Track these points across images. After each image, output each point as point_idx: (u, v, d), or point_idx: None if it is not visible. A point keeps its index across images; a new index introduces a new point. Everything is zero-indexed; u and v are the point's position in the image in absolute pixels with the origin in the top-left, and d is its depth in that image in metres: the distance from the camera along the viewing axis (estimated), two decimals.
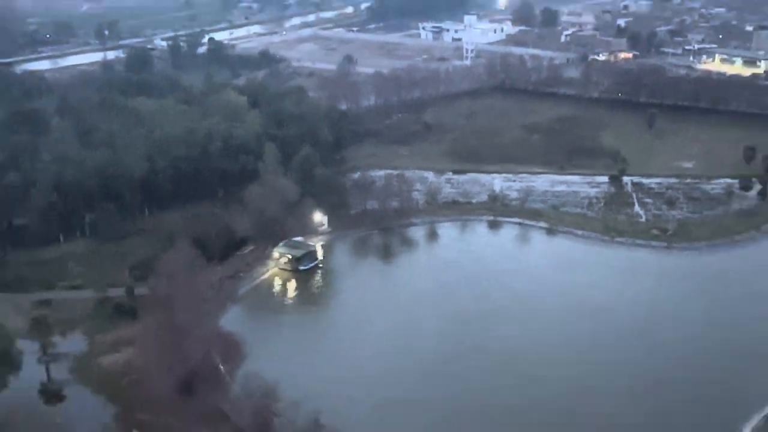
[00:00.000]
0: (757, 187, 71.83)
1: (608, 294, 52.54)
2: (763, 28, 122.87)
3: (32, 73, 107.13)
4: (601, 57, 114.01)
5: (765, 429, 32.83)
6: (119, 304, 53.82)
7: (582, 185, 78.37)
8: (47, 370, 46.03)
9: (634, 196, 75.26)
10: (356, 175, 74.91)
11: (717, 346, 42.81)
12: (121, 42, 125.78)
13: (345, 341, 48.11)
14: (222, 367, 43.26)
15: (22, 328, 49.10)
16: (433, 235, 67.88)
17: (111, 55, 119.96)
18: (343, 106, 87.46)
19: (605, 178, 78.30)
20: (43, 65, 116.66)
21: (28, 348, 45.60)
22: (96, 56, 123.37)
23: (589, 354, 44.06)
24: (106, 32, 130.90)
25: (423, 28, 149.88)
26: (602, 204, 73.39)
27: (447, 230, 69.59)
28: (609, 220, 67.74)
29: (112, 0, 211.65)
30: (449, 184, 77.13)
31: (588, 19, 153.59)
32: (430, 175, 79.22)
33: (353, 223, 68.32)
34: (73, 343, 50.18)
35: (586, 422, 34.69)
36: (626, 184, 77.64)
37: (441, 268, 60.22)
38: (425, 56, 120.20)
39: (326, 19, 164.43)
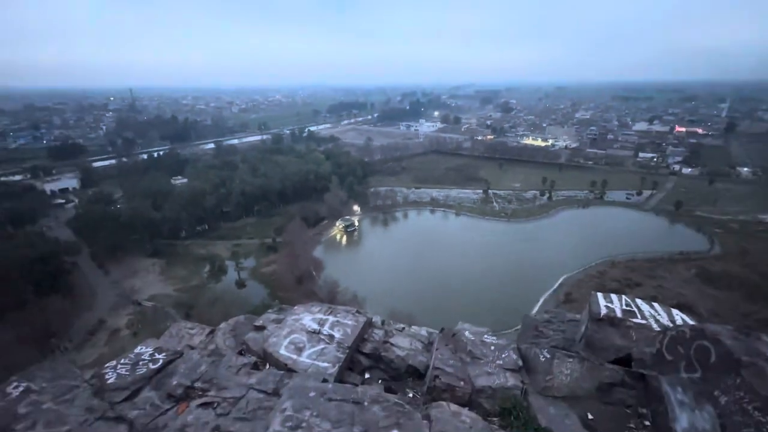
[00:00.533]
0: (546, 194, 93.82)
1: (483, 237, 72.06)
2: (550, 125, 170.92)
3: (231, 145, 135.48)
4: (479, 138, 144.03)
5: (550, 300, 43.78)
6: (269, 245, 64.89)
7: (470, 194, 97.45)
8: (238, 273, 57.35)
9: (493, 198, 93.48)
10: (372, 189, 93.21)
11: (522, 260, 61.16)
12: (269, 131, 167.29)
13: (368, 261, 62.21)
14: (314, 272, 54.73)
15: (227, 255, 61.35)
16: (405, 216, 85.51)
17: (265, 136, 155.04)
18: (366, 159, 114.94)
19: (480, 191, 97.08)
20: (235, 141, 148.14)
21: (230, 264, 58.54)
22: (258, 137, 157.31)
23: (470, 261, 60.45)
24: (262, 127, 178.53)
25: (401, 125, 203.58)
26: (479, 202, 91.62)
27: (411, 213, 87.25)
28: (482, 209, 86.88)
29: (271, 109, 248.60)
30: (412, 194, 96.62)
31: (474, 121, 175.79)
32: (403, 189, 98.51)
33: (371, 210, 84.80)
34: (249, 261, 61.51)
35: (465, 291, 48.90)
36: (490, 193, 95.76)
37: (410, 228, 79.77)
38: (402, 137, 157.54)
39: (359, 121, 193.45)
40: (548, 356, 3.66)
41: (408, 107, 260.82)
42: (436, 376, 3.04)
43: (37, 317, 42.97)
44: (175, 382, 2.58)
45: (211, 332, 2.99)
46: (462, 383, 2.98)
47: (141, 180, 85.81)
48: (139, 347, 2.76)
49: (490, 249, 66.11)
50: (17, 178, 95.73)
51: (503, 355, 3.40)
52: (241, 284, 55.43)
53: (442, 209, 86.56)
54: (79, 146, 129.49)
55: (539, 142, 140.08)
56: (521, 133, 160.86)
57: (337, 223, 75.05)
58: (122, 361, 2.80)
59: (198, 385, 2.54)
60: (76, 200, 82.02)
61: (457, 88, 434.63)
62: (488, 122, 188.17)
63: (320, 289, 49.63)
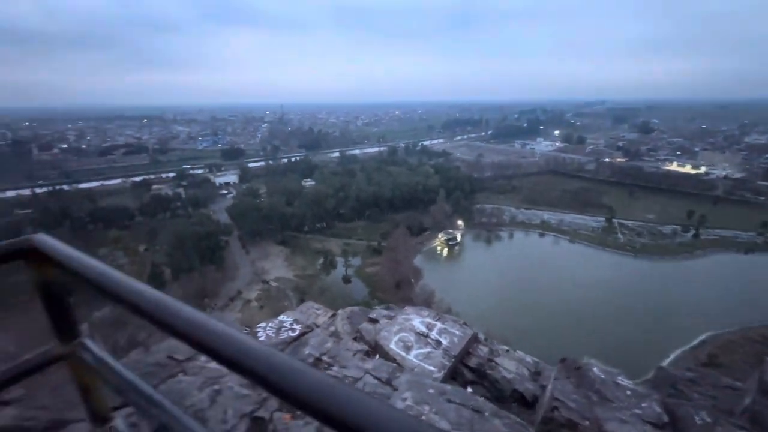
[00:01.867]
0: (692, 231, 76.27)
1: (601, 270, 62.53)
2: (705, 150, 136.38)
3: (352, 154, 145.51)
4: (607, 160, 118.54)
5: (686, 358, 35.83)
6: (375, 248, 67.00)
7: (589, 221, 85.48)
8: (346, 269, 61.12)
9: (618, 229, 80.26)
10: (478, 205, 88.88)
11: (650, 304, 51.35)
12: (386, 143, 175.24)
13: (467, 277, 59.84)
14: (412, 279, 55.33)
15: (338, 252, 65.90)
16: (511, 236, 78.97)
17: (382, 148, 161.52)
18: (475, 175, 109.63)
19: (602, 219, 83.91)
20: (356, 151, 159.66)
21: (339, 260, 62.53)
22: (376, 149, 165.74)
23: (583, 294, 53.57)
24: (380, 140, 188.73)
25: (516, 143, 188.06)
26: (600, 231, 79.93)
27: (518, 234, 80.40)
28: (603, 239, 75.92)
29: (390, 124, 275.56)
30: (521, 214, 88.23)
31: (602, 142, 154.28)
32: (512, 209, 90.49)
33: (475, 226, 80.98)
34: (356, 260, 65.44)
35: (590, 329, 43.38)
36: (614, 222, 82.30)
37: (515, 249, 73.54)
38: (515, 155, 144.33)
39: (472, 137, 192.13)
40: (708, 420, 2.90)
41: (525, 125, 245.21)
42: (555, 408, 2.68)
43: (198, 281, 53.76)
44: (307, 352, 2.92)
45: (333, 315, 3.27)
46: (587, 422, 2.58)
47: (280, 180, 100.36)
48: (282, 316, 3.22)
49: (609, 285, 56.59)
50: (199, 171, 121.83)
51: (643, 405, 2.81)
52: (347, 279, 59.55)
53: (554, 234, 78.39)
54: (241, 150, 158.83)
55: (687, 169, 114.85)
56: (663, 157, 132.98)
57: (440, 236, 74.80)
58: (269, 325, 3.38)
59: (324, 359, 2.83)
60: (234, 192, 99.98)
61: (585, 106, 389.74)
62: (620, 143, 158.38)
63: (416, 296, 50.21)
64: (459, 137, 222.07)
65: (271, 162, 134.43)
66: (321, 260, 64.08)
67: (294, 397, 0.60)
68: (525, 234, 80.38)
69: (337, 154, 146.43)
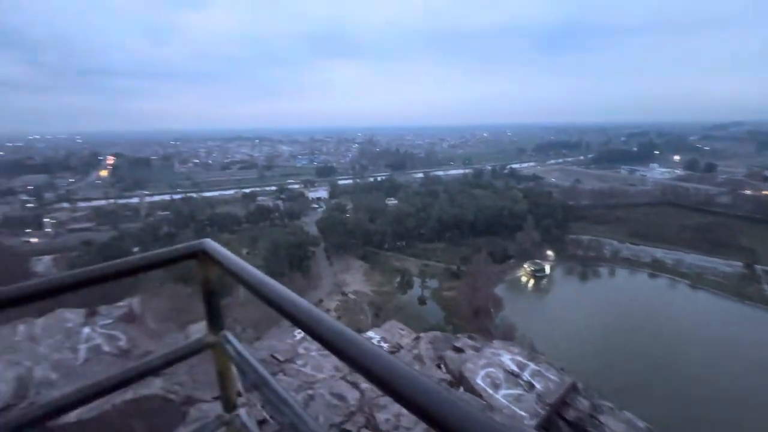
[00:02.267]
0: None
1: (736, 327, 50.73)
2: None
3: (436, 175, 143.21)
4: (747, 192, 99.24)
5: None
6: (453, 271, 65.33)
7: (719, 264, 69.90)
8: (422, 290, 60.62)
9: (763, 278, 63.74)
10: (573, 236, 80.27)
11: None
12: (472, 166, 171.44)
13: (555, 314, 54.19)
14: (491, 309, 52.41)
15: (416, 272, 65.71)
16: (613, 273, 69.36)
17: (467, 170, 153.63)
18: (570, 202, 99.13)
19: (739, 263, 67.75)
20: (440, 172, 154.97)
21: (416, 281, 62.37)
22: (460, 171, 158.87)
23: (710, 356, 43.20)
24: (466, 162, 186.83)
25: (622, 169, 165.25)
26: (734, 278, 64.66)
27: (622, 273, 70.40)
28: (739, 288, 61.82)
29: (477, 146, 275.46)
30: (626, 249, 75.89)
31: (741, 170, 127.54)
32: (614, 243, 78.49)
33: (567, 258, 73.36)
34: (433, 282, 64.24)
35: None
36: (756, 269, 65.72)
37: (618, 289, 64.13)
38: (621, 183, 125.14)
39: (568, 161, 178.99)
40: None
41: (635, 149, 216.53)
42: None
43: (286, 286, 58.38)
44: None
45: (416, 338, 3.21)
46: None
47: (366, 197, 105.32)
48: (369, 332, 3.30)
49: (749, 347, 44.84)
50: (296, 186, 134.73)
51: None
52: (422, 301, 58.81)
53: (669, 276, 66.48)
54: (333, 168, 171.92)
55: None
56: None
57: (525, 266, 69.71)
58: None
59: None
60: (324, 206, 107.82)
61: (715, 128, 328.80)
62: (767, 173, 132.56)
63: (495, 327, 47.36)
64: (553, 161, 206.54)
65: (358, 180, 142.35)
66: (398, 278, 64.59)
67: (413, 402, 0.66)
68: (630, 273, 69.68)
69: (421, 175, 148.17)
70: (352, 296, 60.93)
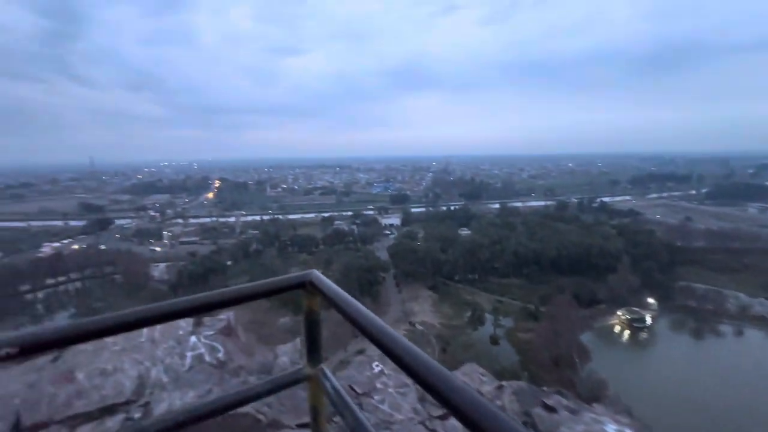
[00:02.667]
0: None
1: None
2: None
3: (514, 207, 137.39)
4: None
5: None
6: (530, 311, 60.57)
7: None
8: (495, 329, 56.59)
9: None
10: (683, 283, 67.50)
11: None
12: (554, 197, 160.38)
13: (659, 375, 46.51)
14: (576, 359, 46.58)
15: (488, 308, 61.86)
16: (739, 333, 55.77)
17: (549, 202, 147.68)
18: (678, 243, 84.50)
19: None
20: (518, 204, 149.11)
21: (488, 317, 58.50)
22: (541, 203, 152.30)
23: None
24: (548, 193, 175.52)
25: (750, 206, 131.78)
26: None
27: (751, 333, 56.12)
28: None
29: (561, 177, 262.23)
30: (759, 305, 59.96)
31: None
32: (740, 296, 63.13)
33: (675, 309, 62.39)
34: (507, 321, 59.90)
35: None
36: None
37: (746, 353, 51.47)
38: (749, 223, 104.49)
39: (674, 196, 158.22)
40: None
41: None
42: None
43: None
44: None
45: (499, 387, 2.90)
46: None
47: (438, 226, 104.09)
48: None
49: None
50: (370, 212, 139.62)
51: None
52: (494, 340, 55.06)
53: None
54: (406, 196, 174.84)
55: None
56: None
57: (619, 313, 61.03)
58: None
59: None
60: (396, 233, 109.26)
61: None
62: None
63: (581, 381, 41.66)
64: (654, 195, 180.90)
65: (431, 208, 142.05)
66: (469, 313, 61.42)
67: None
68: (765, 334, 55.99)
69: (497, 206, 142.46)
70: (419, 327, 59.39)
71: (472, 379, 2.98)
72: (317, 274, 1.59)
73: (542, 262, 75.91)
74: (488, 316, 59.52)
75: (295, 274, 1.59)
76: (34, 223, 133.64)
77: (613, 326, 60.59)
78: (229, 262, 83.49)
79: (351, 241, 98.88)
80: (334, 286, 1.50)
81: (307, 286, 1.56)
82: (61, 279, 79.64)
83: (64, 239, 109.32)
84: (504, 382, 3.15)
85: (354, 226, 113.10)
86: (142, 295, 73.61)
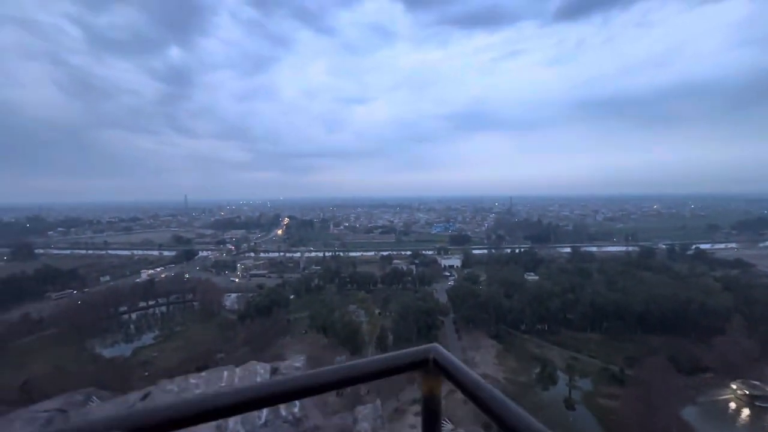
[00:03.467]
0: None
1: None
2: None
3: (588, 252, 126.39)
4: None
5: None
6: (614, 373, 53.55)
7: None
8: (570, 391, 49.89)
9: None
10: None
11: None
12: (637, 243, 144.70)
13: None
14: None
15: (561, 365, 55.32)
16: None
17: (630, 248, 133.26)
18: None
19: None
20: (593, 248, 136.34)
21: (561, 377, 51.59)
22: (621, 248, 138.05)
23: None
24: (629, 238, 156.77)
25: None
26: None
27: None
28: None
29: (645, 220, 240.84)
30: None
31: None
32: None
33: None
34: (584, 383, 52.50)
35: None
36: None
37: None
38: None
39: None
40: None
41: None
42: None
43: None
44: None
45: None
46: None
47: (501, 270, 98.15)
48: None
49: None
50: (429, 252, 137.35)
51: None
52: (570, 404, 48.09)
53: None
54: (467, 237, 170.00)
55: None
56: None
57: (734, 386, 49.83)
58: None
59: None
60: (456, 275, 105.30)
61: None
62: None
63: None
64: None
65: (494, 250, 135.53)
66: (538, 369, 55.02)
67: None
68: None
69: (568, 250, 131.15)
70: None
71: None
72: (441, 351, 1.37)
73: (626, 316, 66.39)
74: (561, 375, 52.52)
75: (413, 349, 1.38)
76: (136, 252, 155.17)
77: (725, 402, 49.39)
78: (292, 296, 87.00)
79: (409, 281, 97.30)
80: (463, 366, 1.28)
81: (429, 365, 1.32)
82: (151, 303, 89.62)
83: (158, 267, 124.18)
84: None
85: (413, 266, 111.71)
86: (214, 321, 79.31)
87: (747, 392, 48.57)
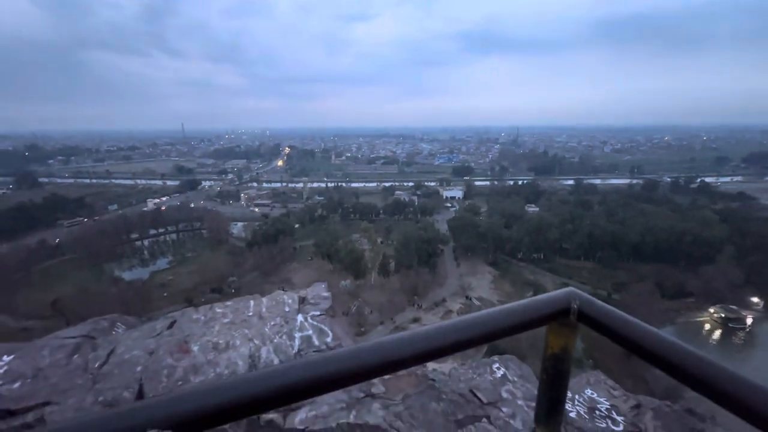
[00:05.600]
0: None
1: None
2: None
3: (591, 184, 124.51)
4: None
5: None
6: (600, 297, 48.90)
7: None
8: None
9: None
10: None
11: None
12: (642, 175, 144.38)
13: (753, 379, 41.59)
14: None
15: (551, 290, 57.60)
16: None
17: (634, 181, 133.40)
18: None
19: None
20: (597, 181, 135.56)
21: None
22: (625, 180, 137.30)
23: None
24: (634, 170, 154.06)
25: None
26: None
27: None
28: None
29: (653, 152, 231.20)
30: None
31: None
32: None
33: None
34: None
35: None
36: None
37: None
38: None
39: None
40: None
41: None
42: None
43: (413, 279, 60.42)
44: None
45: (636, 407, 2.37)
46: None
47: (502, 201, 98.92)
48: (589, 390, 2.63)
49: None
50: (432, 184, 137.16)
51: None
52: None
53: None
54: (470, 168, 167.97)
55: None
56: None
57: (712, 310, 53.57)
58: (578, 399, 2.87)
59: None
60: (457, 206, 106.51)
61: None
62: None
63: (656, 380, 38.13)
64: None
65: (496, 182, 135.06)
66: (531, 293, 58.81)
67: None
68: None
69: (571, 182, 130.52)
70: (477, 302, 58.51)
71: (597, 389, 2.48)
72: (582, 296, 1.14)
73: (620, 246, 68.64)
74: None
75: (545, 296, 1.15)
76: (139, 181, 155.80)
77: (701, 324, 53.58)
78: (297, 225, 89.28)
79: (411, 212, 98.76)
80: (616, 312, 1.07)
81: (571, 315, 1.12)
82: (161, 230, 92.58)
83: (163, 196, 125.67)
84: (642, 398, 2.59)
85: (415, 197, 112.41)
86: (223, 248, 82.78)
87: (723, 315, 52.35)
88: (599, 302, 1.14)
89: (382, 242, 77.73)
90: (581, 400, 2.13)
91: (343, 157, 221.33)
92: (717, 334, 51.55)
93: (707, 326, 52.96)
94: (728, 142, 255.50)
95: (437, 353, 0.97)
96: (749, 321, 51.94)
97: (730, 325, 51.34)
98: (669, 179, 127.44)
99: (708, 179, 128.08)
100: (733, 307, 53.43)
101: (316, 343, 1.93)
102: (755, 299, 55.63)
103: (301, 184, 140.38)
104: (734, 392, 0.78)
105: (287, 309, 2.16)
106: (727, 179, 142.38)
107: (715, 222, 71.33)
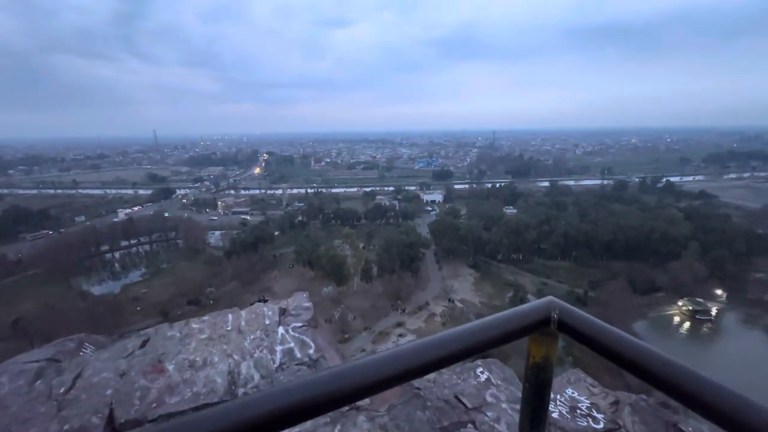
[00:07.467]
0: None
1: None
2: None
3: (565, 185, 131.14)
4: None
5: None
6: (579, 296, 57.94)
7: None
8: None
9: None
10: (760, 275, 60.67)
11: None
12: (612, 176, 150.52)
13: (717, 371, 44.54)
14: None
15: (532, 290, 60.22)
16: None
17: (605, 182, 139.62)
18: (760, 231, 74.60)
19: None
20: (570, 182, 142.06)
21: (532, 299, 56.91)
22: (596, 181, 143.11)
23: None
24: (605, 171, 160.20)
25: None
26: None
27: None
28: None
29: (622, 154, 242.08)
30: None
31: None
32: None
33: (747, 303, 56.99)
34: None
35: None
36: None
37: None
38: None
39: (759, 177, 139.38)
40: None
41: None
42: None
43: (396, 283, 60.36)
44: None
45: (615, 404, 2.44)
46: None
47: (481, 204, 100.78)
48: (570, 389, 2.67)
49: None
50: (412, 188, 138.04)
51: None
52: None
53: None
54: (449, 172, 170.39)
55: None
56: None
57: (680, 303, 56.31)
58: (560, 399, 2.91)
59: None
60: (437, 210, 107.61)
61: None
62: None
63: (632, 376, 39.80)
64: (734, 175, 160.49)
65: (475, 185, 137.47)
66: (511, 294, 59.90)
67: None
68: None
69: (546, 184, 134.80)
70: (459, 304, 59.03)
71: (578, 388, 2.54)
72: (562, 305, 1.14)
73: (594, 245, 71.17)
74: (531, 298, 57.52)
75: (526, 307, 1.15)
76: (109, 191, 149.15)
77: (671, 316, 56.12)
78: (276, 233, 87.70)
79: (392, 216, 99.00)
80: (596, 321, 1.06)
81: (551, 324, 1.11)
82: (133, 242, 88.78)
83: (135, 206, 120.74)
84: (620, 395, 2.66)
85: (396, 202, 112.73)
86: (200, 257, 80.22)
87: (690, 308, 55.11)
88: (578, 311, 1.14)
89: (364, 247, 77.36)
90: (562, 399, 2.17)
91: (323, 163, 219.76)
92: (686, 326, 54.11)
93: (677, 319, 55.46)
94: (689, 143, 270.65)
95: (423, 370, 0.97)
96: (714, 312, 54.89)
97: (698, 317, 54.05)
98: (637, 179, 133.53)
99: (672, 179, 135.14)
100: (700, 299, 56.23)
101: (299, 355, 1.88)
102: (719, 291, 58.84)
103: (280, 191, 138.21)
104: (720, 404, 0.77)
105: (267, 321, 2.09)
106: (690, 179, 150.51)
107: (680, 220, 75.12)
